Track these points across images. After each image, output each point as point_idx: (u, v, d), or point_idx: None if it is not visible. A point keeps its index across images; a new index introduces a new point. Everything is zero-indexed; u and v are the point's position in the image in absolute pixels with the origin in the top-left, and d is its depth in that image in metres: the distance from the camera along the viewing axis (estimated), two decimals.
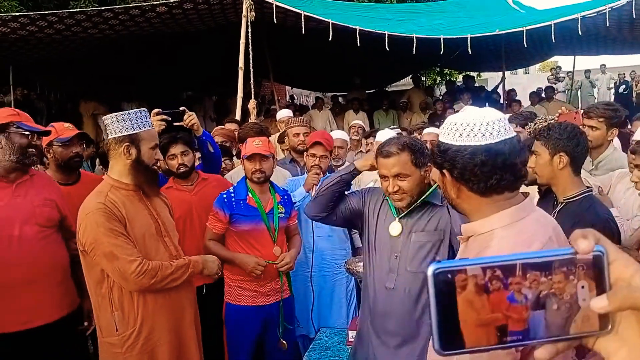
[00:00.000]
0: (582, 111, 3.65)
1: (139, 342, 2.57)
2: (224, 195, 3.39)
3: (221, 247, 3.37)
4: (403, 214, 2.50)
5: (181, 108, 3.48)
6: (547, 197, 2.91)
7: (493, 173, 1.44)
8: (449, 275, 0.69)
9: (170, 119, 3.37)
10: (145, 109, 2.70)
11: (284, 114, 6.26)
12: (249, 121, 5.74)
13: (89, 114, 10.60)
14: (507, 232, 1.45)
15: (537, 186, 3.05)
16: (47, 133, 3.08)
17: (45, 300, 2.82)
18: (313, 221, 3.75)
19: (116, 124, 2.57)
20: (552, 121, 3.38)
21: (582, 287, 0.70)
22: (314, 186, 3.74)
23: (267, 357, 3.52)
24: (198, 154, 3.89)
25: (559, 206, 2.55)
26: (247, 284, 3.35)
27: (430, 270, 0.69)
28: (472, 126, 1.45)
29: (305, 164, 4.04)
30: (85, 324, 3.02)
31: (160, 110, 3.39)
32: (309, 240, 3.87)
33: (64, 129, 3.39)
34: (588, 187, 2.56)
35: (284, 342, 3.24)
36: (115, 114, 2.60)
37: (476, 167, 1.44)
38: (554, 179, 2.54)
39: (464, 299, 0.69)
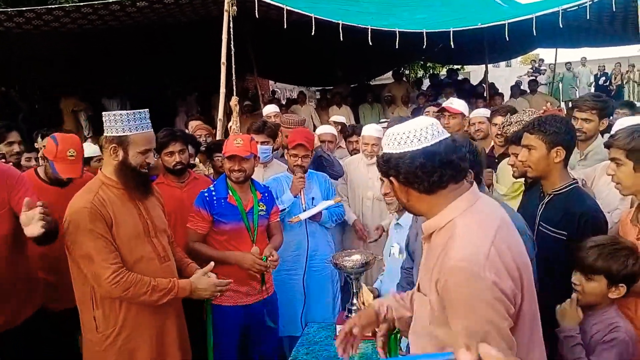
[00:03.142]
0: (562, 105, 3.74)
1: (118, 342, 2.58)
2: (205, 194, 3.35)
3: (209, 249, 3.31)
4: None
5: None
6: (531, 189, 2.92)
7: (433, 172, 1.56)
8: None
9: None
10: (145, 110, 2.63)
11: (270, 109, 6.26)
12: (232, 118, 5.71)
13: (69, 110, 10.44)
14: (466, 218, 1.57)
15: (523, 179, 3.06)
16: None
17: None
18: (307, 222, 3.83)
19: (110, 123, 2.55)
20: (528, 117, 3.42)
21: None
22: (302, 190, 3.78)
23: (253, 357, 3.50)
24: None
25: (546, 198, 2.56)
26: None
27: None
28: (407, 134, 1.57)
29: (288, 163, 4.04)
30: None
31: None
32: (303, 242, 3.86)
33: None
34: (574, 179, 2.58)
35: None
36: (113, 112, 2.57)
37: (417, 169, 1.56)
38: (547, 172, 2.55)
39: None
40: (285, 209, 3.76)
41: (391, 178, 1.64)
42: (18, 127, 3.88)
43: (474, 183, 1.67)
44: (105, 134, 2.59)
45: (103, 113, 2.62)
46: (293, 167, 3.91)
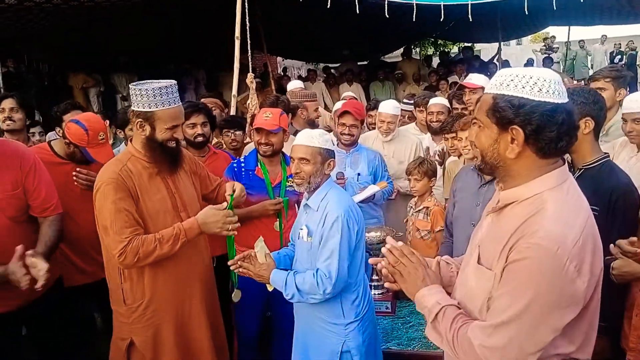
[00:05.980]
0: (575, 82, 3.68)
1: (146, 316, 2.58)
2: (234, 165, 3.36)
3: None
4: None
5: None
6: None
7: (565, 134, 1.38)
8: None
9: None
10: (172, 83, 2.50)
11: (295, 84, 6.17)
12: (249, 95, 5.62)
13: (79, 86, 10.42)
14: (557, 194, 1.41)
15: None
16: None
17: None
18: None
19: (136, 97, 2.46)
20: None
21: None
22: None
23: (276, 328, 3.48)
24: None
25: (577, 173, 2.50)
26: None
27: None
28: (549, 83, 1.37)
29: (335, 132, 4.12)
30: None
31: None
32: None
33: None
34: (605, 153, 2.51)
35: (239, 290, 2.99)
36: (139, 84, 2.47)
37: (555, 126, 1.36)
38: (577, 145, 2.47)
39: None
40: None
41: (513, 127, 1.39)
42: (13, 95, 3.98)
43: (566, 161, 1.49)
44: (132, 108, 2.52)
45: (130, 86, 2.50)
46: (340, 136, 3.97)
